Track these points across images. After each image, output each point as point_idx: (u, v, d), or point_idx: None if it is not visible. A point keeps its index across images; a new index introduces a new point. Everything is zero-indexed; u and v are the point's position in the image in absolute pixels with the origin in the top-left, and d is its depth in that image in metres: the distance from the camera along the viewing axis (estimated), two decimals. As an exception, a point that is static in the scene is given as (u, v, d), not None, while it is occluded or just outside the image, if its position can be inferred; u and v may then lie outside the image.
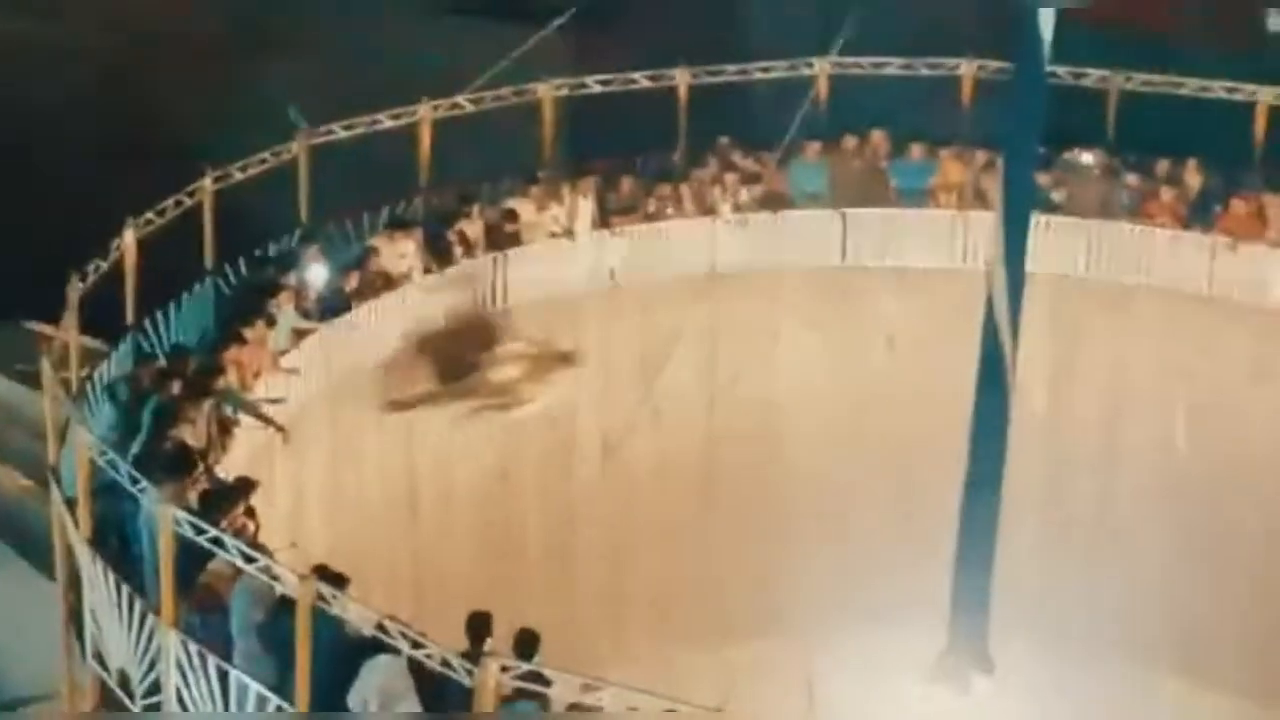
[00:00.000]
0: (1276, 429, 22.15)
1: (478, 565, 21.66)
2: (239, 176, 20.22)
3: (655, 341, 22.75)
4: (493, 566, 21.80)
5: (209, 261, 20.01)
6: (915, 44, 23.55)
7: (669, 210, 22.96)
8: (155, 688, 14.74)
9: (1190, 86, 22.62)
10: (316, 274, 20.35)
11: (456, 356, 19.03)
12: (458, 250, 21.77)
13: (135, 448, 16.12)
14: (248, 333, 18.82)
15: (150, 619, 14.66)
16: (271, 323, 19.27)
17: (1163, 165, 22.73)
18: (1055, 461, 23.00)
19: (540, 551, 22.74)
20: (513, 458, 22.42)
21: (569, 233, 22.42)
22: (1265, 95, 22.20)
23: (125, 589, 14.80)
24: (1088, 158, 22.71)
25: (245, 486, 15.46)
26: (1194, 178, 22.56)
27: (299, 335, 19.72)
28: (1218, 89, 22.51)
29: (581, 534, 23.08)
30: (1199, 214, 22.33)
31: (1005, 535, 18.41)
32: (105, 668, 15.50)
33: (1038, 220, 20.68)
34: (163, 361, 17.95)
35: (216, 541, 13.85)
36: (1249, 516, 22.46)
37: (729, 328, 23.27)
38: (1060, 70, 20.52)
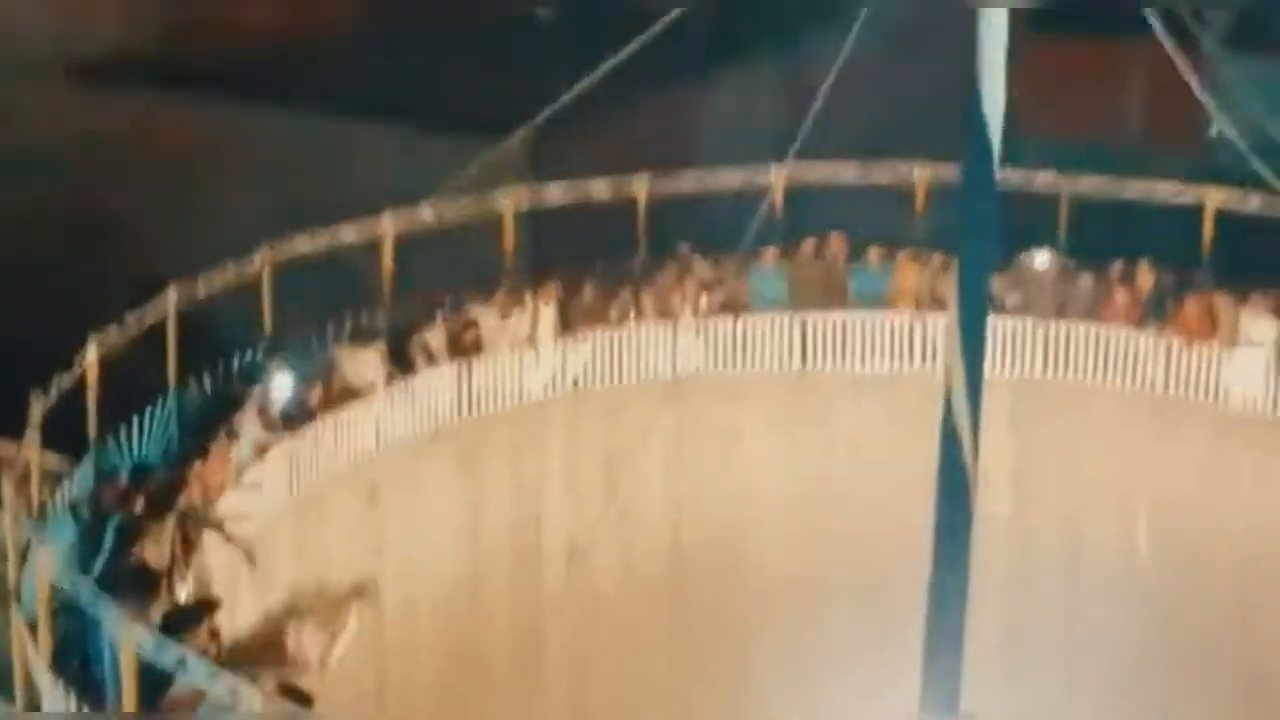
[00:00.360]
0: (1236, 528, 22.31)
1: (445, 677, 21.66)
2: (203, 290, 20.33)
3: (620, 446, 22.84)
4: (460, 678, 21.80)
5: (172, 375, 20.08)
6: (870, 149, 23.84)
7: (630, 317, 23.12)
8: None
9: (1137, 189, 22.95)
10: (280, 387, 20.44)
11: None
12: (421, 361, 21.90)
13: (98, 567, 16.12)
14: (211, 447, 18.88)
15: (113, 740, 14.65)
16: (235, 437, 19.34)
17: (1116, 266, 22.97)
18: (1019, 563, 23.11)
19: (507, 662, 22.73)
20: (480, 566, 22.47)
21: (531, 341, 22.57)
22: (1211, 197, 22.52)
23: (86, 711, 14.77)
24: (1042, 260, 22.97)
25: (208, 606, 15.49)
26: (1146, 278, 22.80)
27: (262, 450, 19.77)
28: (1164, 191, 22.83)
29: (549, 643, 23.08)
30: (1153, 314, 22.58)
31: (971, 636, 18.43)
32: (68, 790, 15.44)
33: (995, 323, 20.96)
34: (125, 479, 17.98)
35: (180, 662, 13.85)
36: (1212, 615, 22.58)
37: (693, 432, 23.40)
38: (1011, 175, 20.76)
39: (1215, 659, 22.58)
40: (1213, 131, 21.19)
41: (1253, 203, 22.15)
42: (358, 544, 21.22)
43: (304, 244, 21.59)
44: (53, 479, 18.15)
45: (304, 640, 17.59)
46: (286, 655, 17.28)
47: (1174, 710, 22.69)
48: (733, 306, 23.35)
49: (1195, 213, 22.66)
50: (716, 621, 23.53)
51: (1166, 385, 22.38)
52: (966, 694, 18.34)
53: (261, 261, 21.05)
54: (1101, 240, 22.98)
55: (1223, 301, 22.24)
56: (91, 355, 18.65)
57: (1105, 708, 22.81)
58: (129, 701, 14.19)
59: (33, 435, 17.41)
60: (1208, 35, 21.94)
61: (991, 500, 20.66)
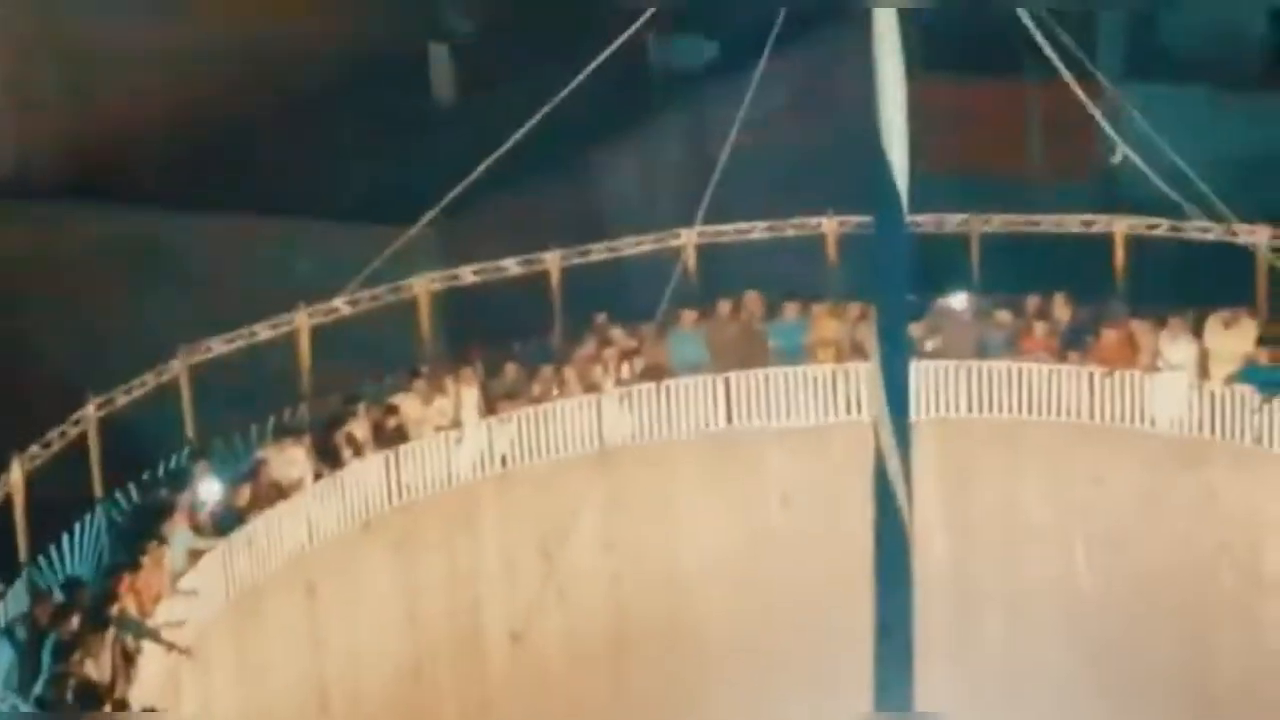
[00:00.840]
0: (1174, 554, 22.43)
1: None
2: (123, 401, 20.19)
3: (553, 523, 22.74)
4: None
5: (98, 487, 19.90)
6: (778, 205, 23.95)
7: (554, 392, 23.08)
8: None
9: (1047, 222, 23.14)
10: (208, 491, 20.31)
11: None
12: (347, 452, 21.78)
13: (38, 688, 15.88)
14: (143, 557, 18.71)
15: None
16: (166, 544, 19.16)
17: (1032, 301, 23.11)
18: (960, 604, 23.12)
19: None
20: (423, 653, 22.31)
21: (456, 424, 22.48)
22: (1120, 225, 22.71)
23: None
24: (959, 302, 23.08)
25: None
26: (1063, 310, 22.96)
27: (195, 555, 19.60)
28: (1074, 223, 23.03)
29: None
30: (1072, 346, 22.72)
31: (917, 683, 18.43)
32: None
33: (917, 367, 21.05)
34: (59, 596, 17.76)
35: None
36: (1157, 644, 22.64)
37: (625, 501, 23.33)
38: (921, 219, 20.90)
39: (1162, 689, 22.62)
40: (1116, 158, 21.36)
41: (1161, 227, 22.39)
42: (298, 641, 21.05)
43: (219, 345, 21.47)
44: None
45: None
46: None
47: (1110, 714, 22.72)
48: (655, 372, 23.35)
49: (1104, 241, 22.84)
50: (662, 693, 23.42)
51: (1093, 414, 22.47)
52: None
53: (179, 365, 20.93)
54: (1013, 275, 23.12)
55: (1140, 327, 22.41)
56: (15, 475, 18.48)
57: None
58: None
59: (-39, 559, 17.19)
60: (1102, 66, 22.19)
61: (928, 544, 20.76)
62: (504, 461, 22.77)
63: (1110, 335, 22.44)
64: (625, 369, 23.35)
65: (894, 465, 17.81)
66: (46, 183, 30.48)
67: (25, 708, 14.97)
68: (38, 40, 31.41)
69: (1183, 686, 22.54)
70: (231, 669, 20.06)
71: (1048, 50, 19.69)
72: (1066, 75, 20.09)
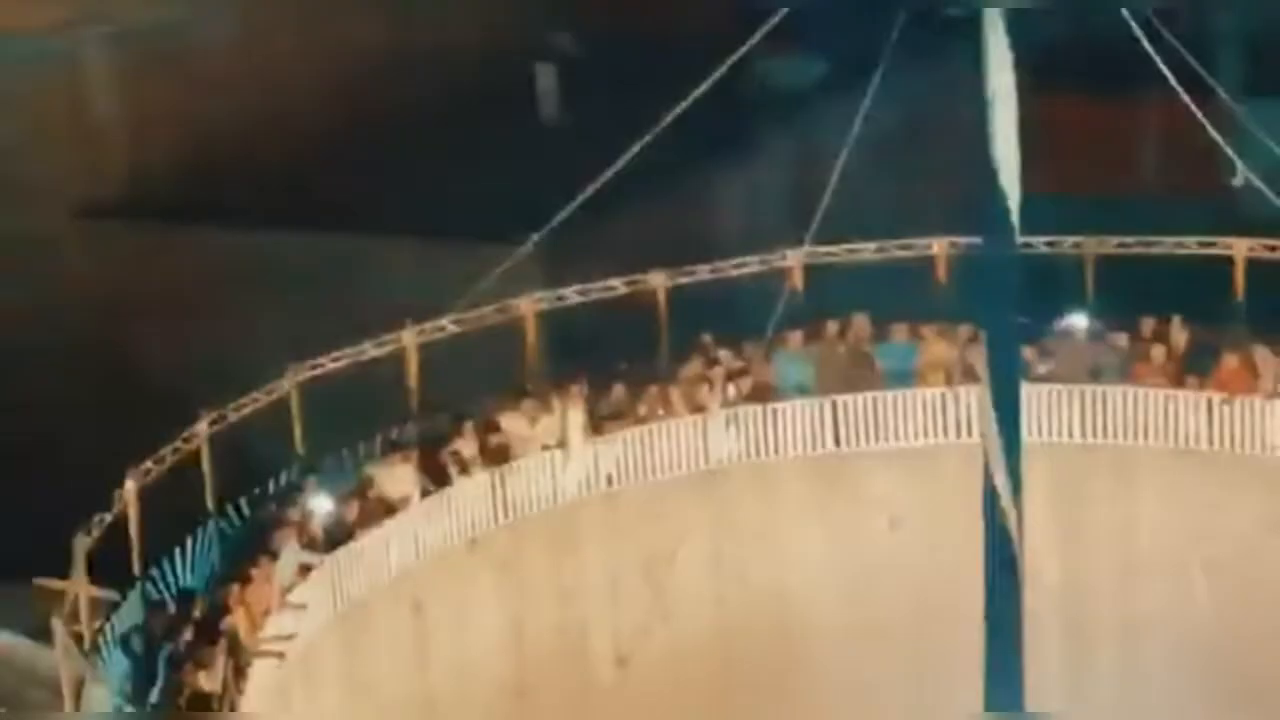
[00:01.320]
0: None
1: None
2: (234, 417, 20.31)
3: (658, 544, 22.69)
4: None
5: (210, 503, 20.04)
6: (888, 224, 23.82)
7: (659, 412, 23.02)
8: None
9: (1165, 244, 22.83)
10: (317, 507, 20.40)
11: None
12: (454, 470, 21.82)
13: (153, 697, 16.00)
14: (253, 571, 18.81)
15: None
16: (275, 558, 19.26)
17: (1148, 324, 22.79)
18: (1072, 634, 22.82)
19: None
20: (527, 672, 22.29)
21: (562, 444, 22.47)
22: (1240, 248, 22.36)
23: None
24: (1072, 326, 22.80)
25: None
26: (1180, 335, 22.62)
27: (305, 569, 19.68)
28: (1192, 245, 22.71)
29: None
30: (1190, 371, 22.38)
31: (1030, 708, 18.24)
32: None
33: (1029, 390, 20.83)
34: (173, 608, 17.90)
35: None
36: (1275, 673, 22.25)
37: (731, 523, 23.23)
38: (1034, 240, 20.71)
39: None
40: (1237, 180, 21.05)
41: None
42: (404, 657, 21.08)
43: (330, 363, 21.57)
44: (103, 612, 18.06)
45: None
46: None
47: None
48: (761, 393, 23.23)
49: (1224, 263, 22.49)
50: (768, 716, 23.25)
51: (1211, 441, 22.14)
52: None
53: (289, 383, 21.05)
54: (1130, 297, 22.81)
55: (1261, 353, 22.04)
56: (130, 489, 18.62)
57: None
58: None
59: (79, 572, 17.35)
60: (1223, 83, 21.88)
61: (1040, 570, 20.54)
62: (610, 481, 22.72)
63: (1230, 360, 22.10)
64: (731, 390, 23.24)
65: (1004, 489, 17.66)
66: (159, 203, 30.81)
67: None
68: (149, 62, 31.79)
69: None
70: (339, 683, 20.12)
71: (1163, 68, 19.50)
72: (1182, 94, 19.86)
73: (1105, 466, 22.64)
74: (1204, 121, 19.96)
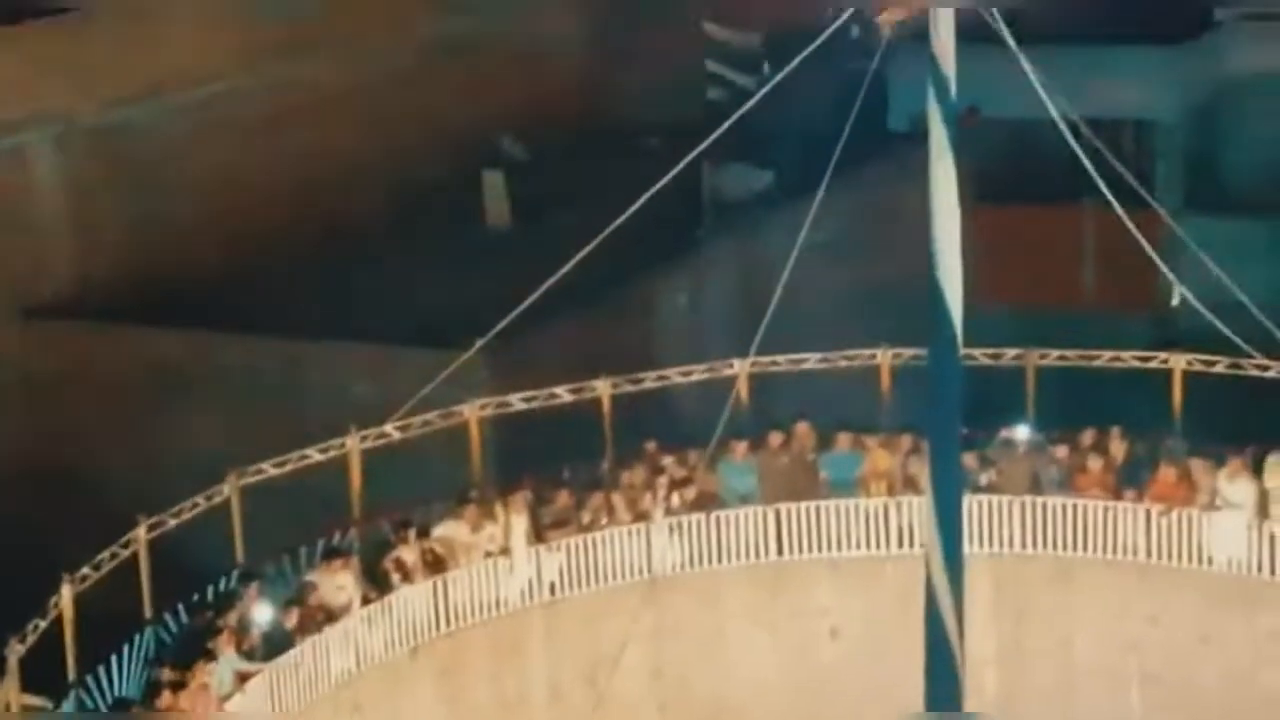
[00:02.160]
0: (1231, 696, 22.12)
1: None
2: (173, 523, 20.21)
3: (600, 652, 22.58)
4: None
5: (147, 610, 19.89)
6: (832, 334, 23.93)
7: (603, 519, 23.00)
8: None
9: (1104, 358, 23.01)
10: (257, 613, 20.26)
11: None
12: (395, 578, 21.72)
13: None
14: (190, 679, 18.64)
15: None
16: (213, 665, 19.09)
17: (1088, 435, 22.94)
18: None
19: None
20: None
21: (505, 551, 22.41)
22: (1178, 362, 22.58)
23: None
24: (1013, 437, 22.93)
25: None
26: (1119, 447, 22.77)
27: (243, 678, 19.51)
28: (1130, 359, 22.89)
29: None
30: (1129, 483, 22.54)
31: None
32: None
33: (970, 501, 20.91)
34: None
35: None
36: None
37: (673, 632, 23.16)
38: (976, 352, 20.84)
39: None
40: (1174, 300, 21.26)
41: (1219, 364, 22.24)
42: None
43: (272, 468, 21.50)
44: (35, 722, 17.91)
45: None
46: None
47: None
48: (705, 501, 23.24)
49: (1164, 376, 22.69)
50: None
51: (1149, 553, 22.26)
52: None
53: (230, 488, 20.97)
54: (1070, 408, 22.98)
55: (1199, 465, 22.22)
56: (66, 595, 18.47)
57: None
58: None
59: (11, 681, 17.17)
60: (1160, 199, 22.16)
61: (980, 681, 20.55)
62: (552, 589, 22.68)
63: (1168, 473, 22.26)
64: (675, 498, 23.24)
65: (945, 600, 17.67)
66: (102, 303, 30.72)
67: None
68: (96, 165, 31.82)
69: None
70: (280, 795, 19.94)
71: (1100, 184, 19.70)
72: (1119, 209, 20.06)
73: (1045, 577, 22.72)
74: (1139, 236, 20.15)
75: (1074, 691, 22.96)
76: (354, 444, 22.04)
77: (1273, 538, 21.74)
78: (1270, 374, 21.98)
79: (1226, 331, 20.91)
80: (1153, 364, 22.77)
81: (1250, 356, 21.62)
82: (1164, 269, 21.38)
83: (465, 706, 22.21)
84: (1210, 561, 22.05)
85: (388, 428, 22.20)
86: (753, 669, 23.39)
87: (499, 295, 21.60)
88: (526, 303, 21.00)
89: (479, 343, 22.01)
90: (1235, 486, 21.97)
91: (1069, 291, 32.52)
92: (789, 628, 23.34)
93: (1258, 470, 22.04)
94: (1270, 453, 22.06)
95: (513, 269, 23.64)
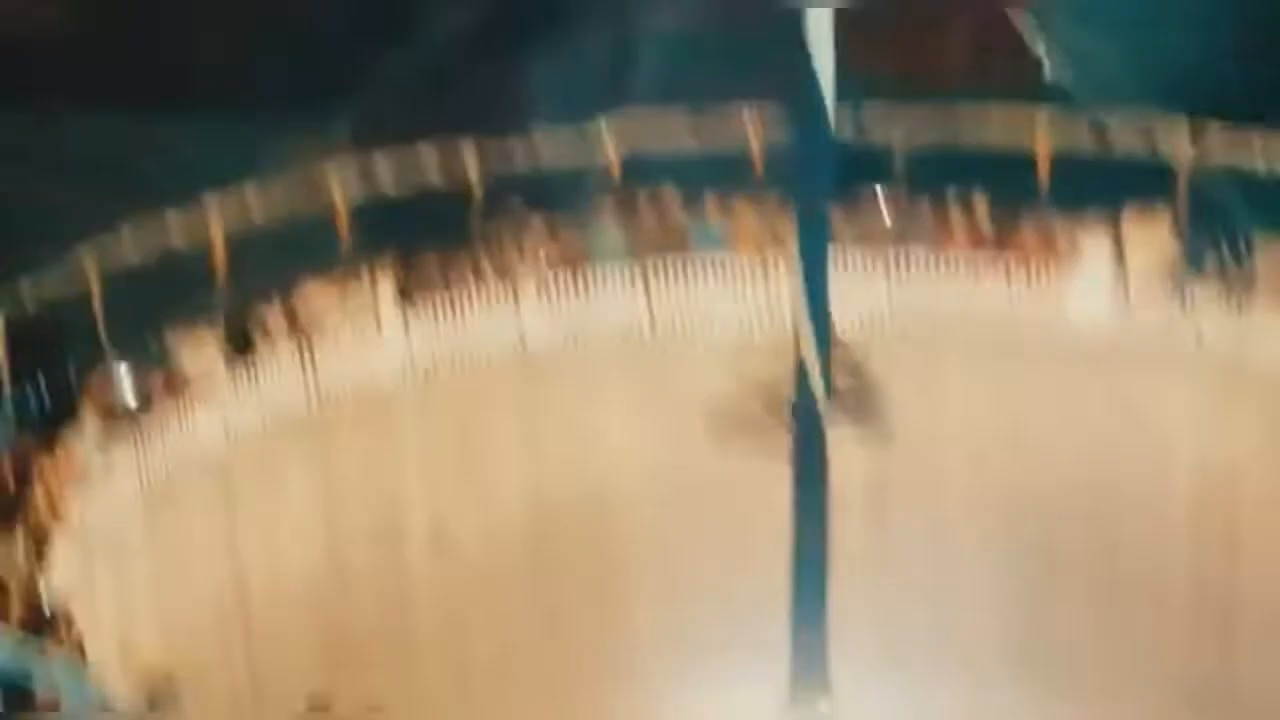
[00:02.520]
0: (1091, 456, 22.55)
1: (317, 657, 21.42)
2: (32, 293, 19.91)
3: (473, 416, 22.61)
4: (332, 657, 21.60)
5: (6, 380, 19.63)
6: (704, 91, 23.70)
7: (470, 280, 22.86)
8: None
9: (969, 119, 22.89)
10: (119, 381, 20.04)
11: None
12: (260, 340, 21.54)
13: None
14: (54, 448, 18.49)
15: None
16: (78, 435, 18.95)
17: (954, 199, 22.95)
18: (877, 509, 23.18)
19: (378, 637, 22.43)
20: (342, 548, 22.22)
21: (374, 317, 22.25)
22: (1042, 124, 22.50)
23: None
24: (879, 199, 22.94)
25: (65, 618, 15.14)
26: (983, 205, 22.85)
27: (108, 445, 19.37)
28: (997, 119, 22.81)
29: (418, 617, 22.83)
30: (992, 242, 22.62)
31: (836, 561, 18.61)
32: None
33: (836, 263, 20.96)
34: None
35: (40, 668, 13.51)
36: (1071, 545, 22.83)
37: (545, 394, 23.17)
38: (845, 114, 20.69)
39: (1075, 587, 22.88)
40: (1048, 73, 21.22)
41: (1083, 128, 22.24)
42: (214, 533, 20.92)
43: (131, 237, 21.17)
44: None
45: None
46: None
47: (1045, 625, 22.93)
48: (573, 261, 23.11)
49: (1026, 141, 22.62)
50: (581, 585, 23.42)
51: (1013, 313, 22.46)
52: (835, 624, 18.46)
53: (89, 258, 20.64)
54: (936, 173, 22.98)
55: (1061, 226, 22.36)
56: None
57: (975, 626, 23.04)
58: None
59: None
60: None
61: (846, 449, 20.74)
62: (423, 359, 22.58)
63: (1030, 231, 22.42)
64: (542, 256, 23.10)
65: (812, 359, 17.84)
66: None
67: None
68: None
69: (1093, 584, 22.78)
70: (147, 559, 19.90)
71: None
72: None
73: (911, 342, 22.85)
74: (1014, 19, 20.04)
75: (939, 457, 23.18)
76: (215, 211, 21.74)
77: (1133, 297, 21.99)
78: (1131, 137, 22.06)
79: (1095, 96, 20.95)
80: (1017, 128, 22.71)
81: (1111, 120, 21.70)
82: (1031, 41, 21.32)
83: (336, 476, 22.21)
84: (1072, 323, 22.28)
85: (249, 195, 21.88)
86: (622, 431, 23.48)
87: (365, 60, 21.18)
88: (388, 70, 20.64)
89: (344, 107, 21.67)
90: (1095, 246, 22.15)
91: (944, 65, 32.25)
92: (658, 387, 23.36)
93: (1117, 230, 22.21)
94: (1128, 212, 22.24)
95: (372, 35, 23.23)
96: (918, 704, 22.62)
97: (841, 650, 18.88)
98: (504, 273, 22.95)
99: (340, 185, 22.42)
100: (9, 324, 19.58)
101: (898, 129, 22.84)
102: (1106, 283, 22.11)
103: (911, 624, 23.14)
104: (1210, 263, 21.65)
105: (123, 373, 20.20)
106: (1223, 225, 21.85)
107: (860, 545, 21.87)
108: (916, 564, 23.23)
